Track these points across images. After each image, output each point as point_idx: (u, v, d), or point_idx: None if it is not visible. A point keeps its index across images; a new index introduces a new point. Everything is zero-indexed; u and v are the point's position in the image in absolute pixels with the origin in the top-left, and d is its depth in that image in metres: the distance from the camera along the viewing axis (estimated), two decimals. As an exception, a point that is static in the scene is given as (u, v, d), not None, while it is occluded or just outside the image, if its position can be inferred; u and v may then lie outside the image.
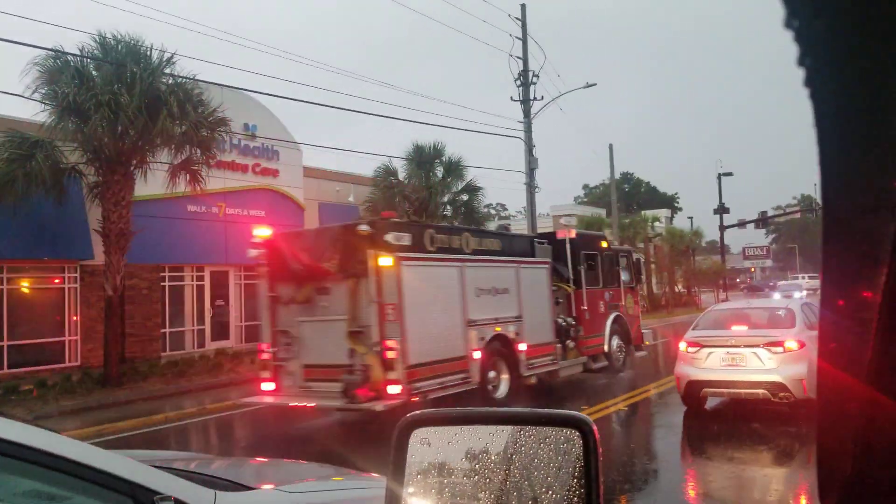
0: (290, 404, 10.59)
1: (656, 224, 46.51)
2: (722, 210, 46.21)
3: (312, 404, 10.39)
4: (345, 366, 9.88)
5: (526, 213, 32.60)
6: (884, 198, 0.55)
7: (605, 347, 14.72)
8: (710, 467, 8.23)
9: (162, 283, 19.78)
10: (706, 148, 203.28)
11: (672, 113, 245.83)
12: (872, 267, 0.57)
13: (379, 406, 9.36)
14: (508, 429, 1.28)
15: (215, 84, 17.48)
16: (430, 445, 1.29)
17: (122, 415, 12.87)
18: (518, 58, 30.21)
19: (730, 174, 50.61)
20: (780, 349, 9.61)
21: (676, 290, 48.04)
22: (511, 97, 30.39)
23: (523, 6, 30.62)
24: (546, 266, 13.42)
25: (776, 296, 27.35)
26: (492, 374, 11.45)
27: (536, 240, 14.21)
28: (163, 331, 19.73)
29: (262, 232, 11.45)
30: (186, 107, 15.79)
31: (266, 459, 4.30)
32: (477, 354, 10.91)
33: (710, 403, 11.09)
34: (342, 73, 73.38)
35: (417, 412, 1.34)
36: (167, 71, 16.02)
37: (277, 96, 19.22)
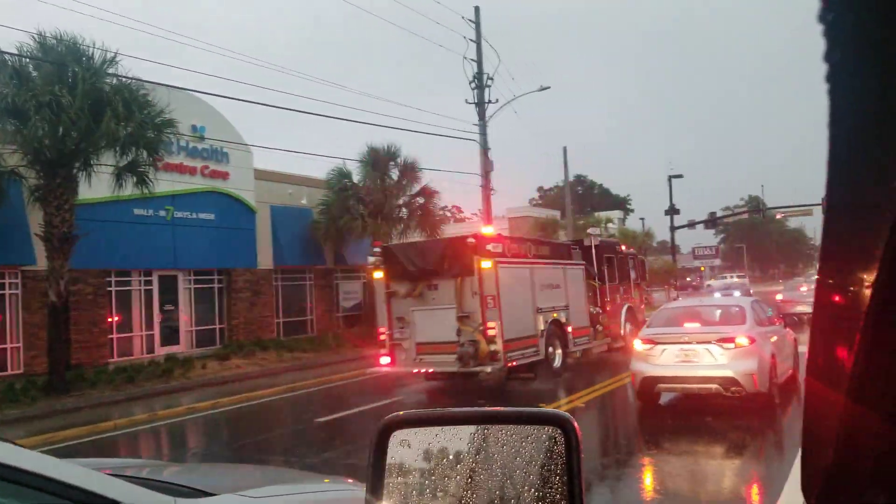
0: (413, 371, 13.92)
1: (609, 225, 47.31)
2: (672, 211, 47.23)
3: (431, 370, 13.70)
4: (453, 342, 12.94)
5: (481, 215, 32.78)
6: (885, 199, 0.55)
7: (622, 331, 18.16)
8: (665, 461, 8.39)
9: (108, 289, 19.23)
10: (657, 150, 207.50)
11: (625, 116, 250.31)
12: (865, 264, 0.57)
13: (487, 369, 12.82)
14: (490, 428, 1.27)
15: (162, 85, 17.10)
16: (410, 447, 1.27)
17: (69, 422, 12.48)
18: (472, 60, 30.35)
19: (680, 176, 51.81)
20: (731, 345, 9.92)
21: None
22: (466, 100, 30.54)
23: (476, 8, 30.77)
24: (582, 266, 16.96)
25: (716, 295, 28.08)
26: (550, 349, 14.62)
27: (572, 246, 17.59)
28: (110, 336, 19.18)
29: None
30: (132, 108, 15.43)
31: (226, 465, 4.22)
32: (543, 333, 14.35)
33: (664, 399, 11.32)
34: (294, 73, 72.67)
35: (396, 413, 1.30)
36: (111, 71, 15.63)
37: (227, 97, 18.92)
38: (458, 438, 1.27)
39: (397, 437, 1.27)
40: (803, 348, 14.43)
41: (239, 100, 17.96)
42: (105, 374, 16.86)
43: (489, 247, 13.26)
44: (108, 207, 18.06)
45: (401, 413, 1.31)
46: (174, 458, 10.15)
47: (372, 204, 24.99)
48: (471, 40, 30.35)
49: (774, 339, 10.99)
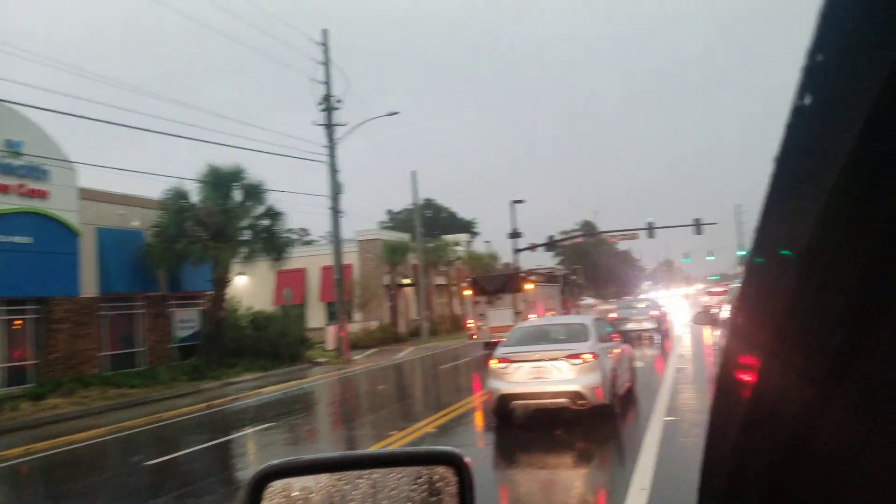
0: (492, 340, 20.49)
1: (457, 248, 48.28)
2: (515, 235, 49.07)
3: (496, 340, 16.20)
4: (510, 325, 17.25)
5: (331, 237, 32.19)
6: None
7: None
8: (520, 474, 8.72)
9: None
10: (502, 176, 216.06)
11: (471, 143, 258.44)
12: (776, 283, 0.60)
13: None
14: (378, 472, 1.19)
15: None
16: (288, 498, 1.15)
17: None
18: (321, 82, 29.97)
19: (522, 201, 53.98)
20: (578, 361, 10.59)
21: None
22: (314, 122, 30.02)
23: (325, 31, 30.50)
24: (559, 285, 30.00)
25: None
26: None
27: (555, 273, 31.48)
28: None
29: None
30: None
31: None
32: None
33: (518, 414, 11.73)
34: (129, 88, 67.94)
35: (272, 463, 1.16)
36: None
37: (48, 110, 17.12)
38: (343, 485, 1.17)
39: (274, 488, 1.15)
40: (639, 363, 15.51)
41: (63, 113, 16.21)
42: None
43: (531, 277, 27.45)
44: None
45: (276, 462, 1.17)
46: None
47: (213, 226, 23.71)
48: (319, 63, 29.97)
49: (614, 354, 11.82)
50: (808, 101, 0.53)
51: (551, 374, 10.63)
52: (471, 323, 25.85)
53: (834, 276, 0.56)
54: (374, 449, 8.95)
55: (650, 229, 45.97)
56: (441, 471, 1.17)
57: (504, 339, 12.59)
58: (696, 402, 12.05)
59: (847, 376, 0.59)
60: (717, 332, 10.95)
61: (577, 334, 11.47)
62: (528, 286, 25.73)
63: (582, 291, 34.99)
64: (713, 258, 79.38)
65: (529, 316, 23.31)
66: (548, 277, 29.83)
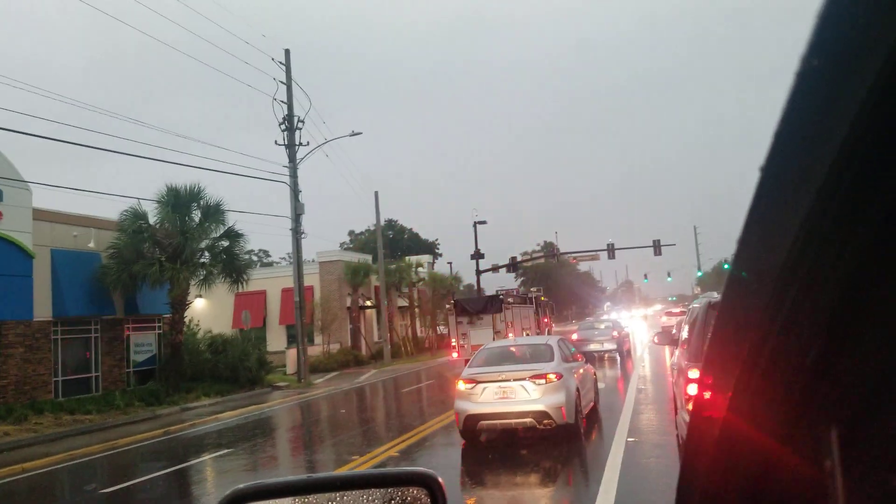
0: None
1: (419, 269, 48.27)
2: (478, 255, 49.29)
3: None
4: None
5: (291, 259, 31.90)
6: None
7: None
8: (487, 494, 8.78)
9: None
10: (465, 197, 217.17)
11: (434, 164, 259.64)
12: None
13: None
14: (351, 494, 1.18)
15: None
16: None
17: None
18: (283, 102, 29.91)
19: (483, 222, 54.38)
20: (542, 381, 10.79)
21: (439, 332, 50.01)
22: (276, 141, 29.91)
23: (287, 51, 30.50)
24: (533, 306, 32.30)
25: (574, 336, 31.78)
26: None
27: (531, 296, 34.31)
28: None
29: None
30: None
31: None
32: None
33: (485, 434, 11.81)
34: (87, 107, 66.64)
35: (240, 486, 1.14)
36: None
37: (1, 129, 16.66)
38: None
39: None
40: (601, 385, 15.68)
41: (13, 131, 15.70)
42: None
43: (509, 299, 29.56)
44: None
45: (245, 485, 1.14)
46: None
47: (171, 247, 23.33)
48: (281, 82, 29.96)
49: (578, 374, 12.04)
50: (796, 110, 0.55)
51: (517, 395, 10.79)
52: (454, 342, 27.78)
53: (815, 289, 0.56)
54: (344, 471, 8.88)
55: (611, 250, 46.72)
56: (413, 492, 1.16)
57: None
58: (657, 423, 12.26)
59: (822, 393, 0.60)
60: (677, 352, 11.13)
61: (542, 354, 11.68)
62: (507, 307, 27.83)
63: (553, 312, 38.13)
64: (671, 280, 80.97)
65: (508, 335, 25.61)
66: (523, 299, 32.46)
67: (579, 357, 13.22)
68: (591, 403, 12.98)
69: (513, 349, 12.63)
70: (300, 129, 29.98)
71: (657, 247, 45.25)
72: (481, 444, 11.38)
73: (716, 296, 9.44)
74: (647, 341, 36.48)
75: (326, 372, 33.44)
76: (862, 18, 0.49)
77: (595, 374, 14.10)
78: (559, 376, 10.89)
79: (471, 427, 11.12)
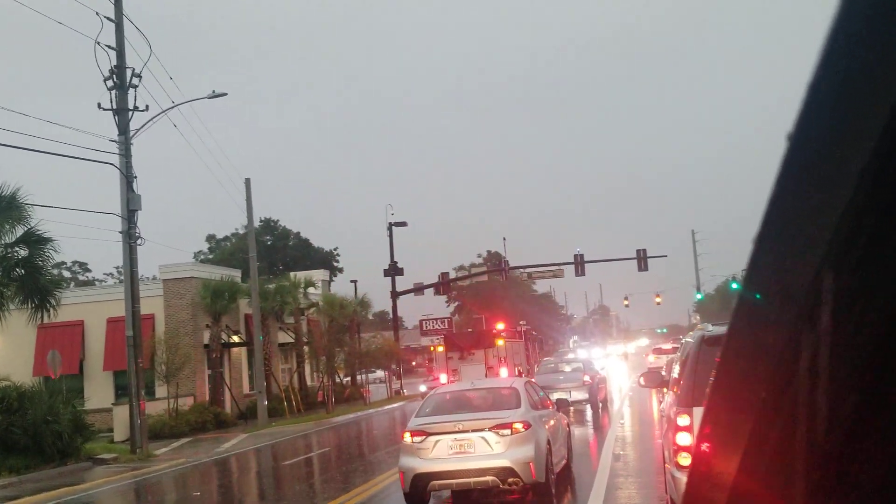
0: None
1: (310, 290, 47.90)
2: (394, 271, 49.35)
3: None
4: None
5: (122, 275, 31.09)
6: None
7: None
8: None
9: None
10: (378, 196, 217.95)
11: (333, 152, 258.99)
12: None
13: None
14: None
15: None
16: None
17: None
18: (110, 48, 29.14)
19: (403, 224, 54.66)
20: (507, 431, 11.63)
21: (337, 380, 49.64)
22: (100, 104, 29.08)
23: (117, -27, 29.81)
24: (523, 341, 42.84)
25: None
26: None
27: (522, 330, 46.24)
28: None
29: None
30: None
31: None
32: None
33: (438, 496, 12.76)
34: None
35: None
36: None
37: None
38: None
39: None
40: (573, 440, 15.99)
41: None
42: None
43: (503, 333, 38.50)
44: None
45: None
46: None
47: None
48: (108, 19, 29.17)
49: (549, 424, 12.96)
50: (819, 110, 0.59)
51: (476, 448, 11.59)
52: (443, 378, 34.02)
53: (853, 318, 0.55)
54: None
55: (579, 264, 47.56)
56: None
57: None
58: (639, 500, 12.60)
59: (866, 453, 0.60)
60: (667, 398, 11.49)
61: (505, 400, 12.67)
62: (500, 342, 36.43)
63: (543, 347, 52.69)
64: (660, 303, 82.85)
65: (500, 370, 33.54)
66: (513, 333, 42.64)
67: (549, 404, 14.26)
68: (564, 460, 13.99)
69: (470, 394, 13.64)
70: (136, 86, 29.34)
71: (642, 259, 46.41)
72: None
73: (711, 328, 9.66)
74: (629, 388, 37.27)
75: (174, 438, 33.08)
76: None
77: (569, 426, 15.26)
78: (527, 426, 11.72)
79: (420, 489, 11.83)
